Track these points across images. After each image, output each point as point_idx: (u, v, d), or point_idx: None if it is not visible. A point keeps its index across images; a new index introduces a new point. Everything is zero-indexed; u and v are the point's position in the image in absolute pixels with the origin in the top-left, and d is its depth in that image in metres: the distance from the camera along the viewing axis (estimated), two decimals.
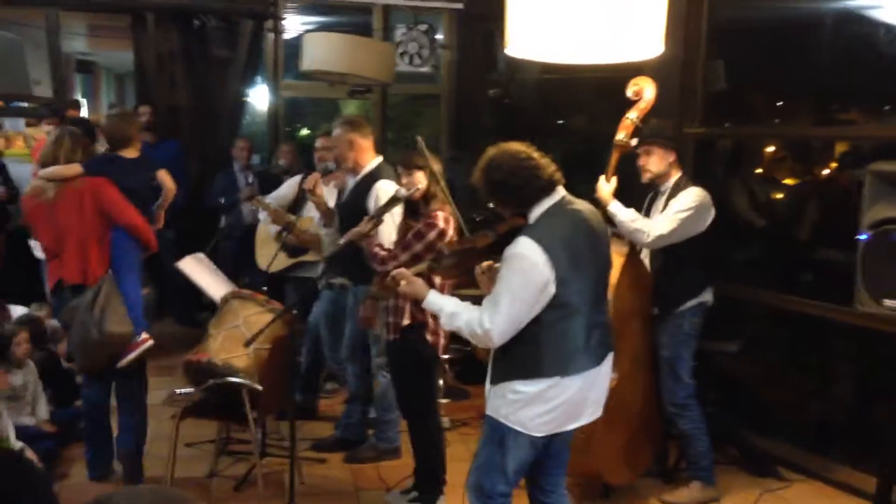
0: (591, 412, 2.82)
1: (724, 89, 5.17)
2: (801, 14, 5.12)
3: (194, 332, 5.04)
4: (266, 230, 5.30)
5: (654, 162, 3.83)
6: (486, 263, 2.91)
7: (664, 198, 3.84)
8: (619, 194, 3.84)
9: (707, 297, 3.89)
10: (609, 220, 3.70)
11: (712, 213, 3.80)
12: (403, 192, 3.53)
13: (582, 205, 2.80)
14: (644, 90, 3.73)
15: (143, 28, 7.20)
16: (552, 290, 2.58)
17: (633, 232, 3.72)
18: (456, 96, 7.25)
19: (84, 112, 11.32)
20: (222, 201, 6.60)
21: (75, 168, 3.85)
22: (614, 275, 3.55)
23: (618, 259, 3.65)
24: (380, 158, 4.27)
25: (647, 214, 3.90)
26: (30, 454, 3.73)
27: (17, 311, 5.05)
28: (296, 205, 5.18)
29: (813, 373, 4.98)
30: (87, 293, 3.70)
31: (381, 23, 7.01)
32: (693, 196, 3.74)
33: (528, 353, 2.66)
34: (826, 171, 5.36)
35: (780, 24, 5.15)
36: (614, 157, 3.79)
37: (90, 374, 3.96)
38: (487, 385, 2.81)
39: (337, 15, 7.42)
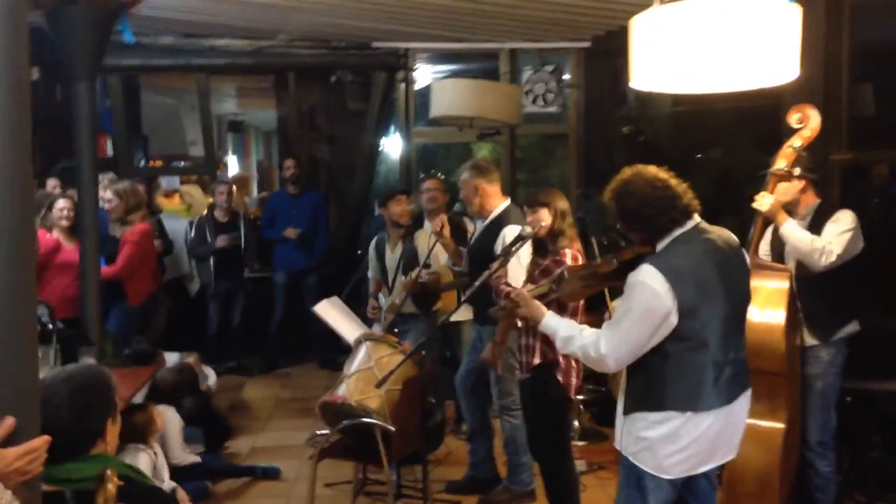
0: (724, 453, 2.68)
1: (873, 114, 4.87)
2: None
3: (335, 375, 5.19)
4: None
5: (783, 191, 3.62)
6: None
7: (804, 225, 3.62)
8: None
9: (857, 325, 3.67)
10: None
11: (862, 238, 3.58)
12: (529, 230, 3.52)
13: (718, 232, 2.67)
14: (809, 118, 3.53)
15: (285, 87, 7.65)
16: (674, 321, 2.48)
17: (811, 252, 3.47)
18: (585, 134, 7.21)
19: (234, 167, 12.09)
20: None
21: None
22: (781, 311, 3.41)
23: (782, 294, 3.46)
24: (507, 202, 4.29)
25: (773, 244, 3.72)
26: (181, 493, 3.91)
27: (171, 357, 5.36)
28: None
29: None
30: None
31: (507, 66, 7.10)
32: (850, 217, 3.57)
33: (652, 384, 2.57)
34: None
35: None
36: (772, 188, 3.58)
37: None
38: (619, 416, 2.73)
39: (465, 62, 7.58)
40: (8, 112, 1.55)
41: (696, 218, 2.65)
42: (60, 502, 1.86)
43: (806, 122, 3.52)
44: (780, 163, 3.54)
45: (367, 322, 4.76)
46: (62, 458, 1.89)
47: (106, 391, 2.07)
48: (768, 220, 3.60)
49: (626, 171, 2.69)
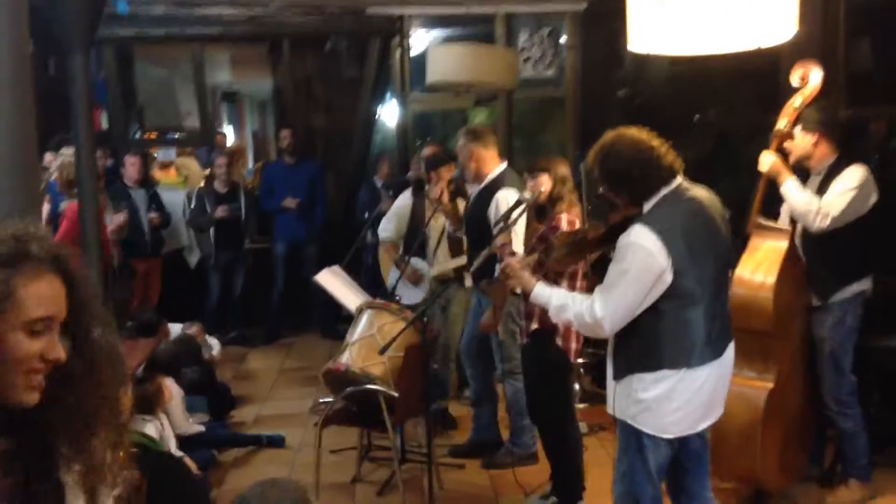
0: (718, 409, 2.74)
1: (871, 69, 4.85)
2: None
3: (336, 344, 5.23)
4: (386, 256, 5.46)
5: (795, 146, 3.61)
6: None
7: (818, 180, 3.61)
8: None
9: (866, 285, 3.65)
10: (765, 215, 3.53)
11: (875, 194, 3.55)
12: (528, 195, 3.53)
13: (700, 191, 2.69)
14: (810, 75, 3.50)
15: (280, 55, 7.59)
16: (668, 279, 2.50)
17: (806, 213, 3.48)
18: (582, 98, 7.18)
19: (231, 139, 12.04)
20: (367, 216, 6.83)
21: None
22: (774, 271, 3.47)
23: (777, 254, 3.52)
24: (503, 166, 4.30)
25: None
26: (188, 462, 3.96)
27: (174, 328, 5.39)
28: (413, 215, 5.24)
29: None
30: None
31: (503, 30, 7.05)
32: (858, 174, 3.51)
33: (647, 345, 2.59)
34: None
35: None
36: (774, 148, 3.57)
37: None
38: (610, 381, 2.75)
39: (461, 27, 7.51)
40: (11, 88, 1.55)
41: (680, 177, 2.65)
42: None
43: (807, 80, 3.50)
44: (782, 122, 3.52)
45: (371, 290, 4.75)
46: None
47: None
48: (772, 178, 3.59)
49: (609, 135, 2.68)
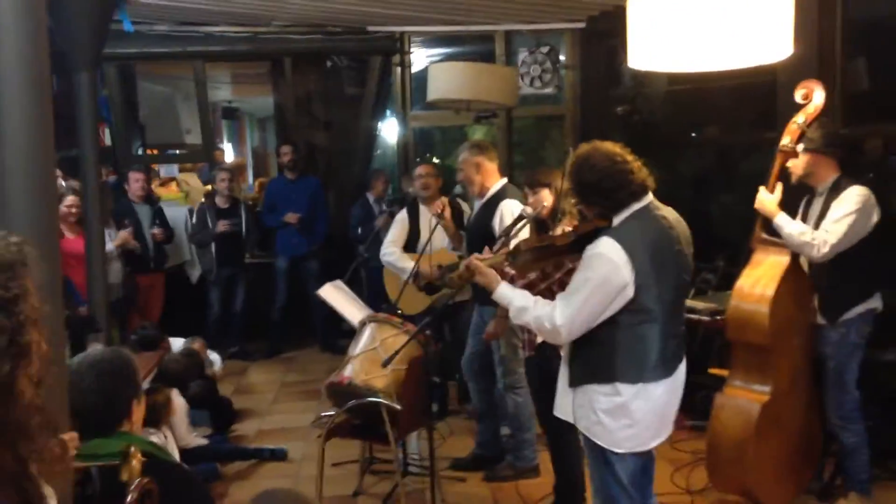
0: (669, 429, 2.76)
1: (867, 89, 4.91)
2: None
3: (337, 358, 5.25)
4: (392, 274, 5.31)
5: (793, 166, 3.65)
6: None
7: (822, 199, 3.64)
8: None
9: (875, 303, 3.65)
10: (769, 230, 3.59)
11: (877, 212, 3.56)
12: (529, 210, 3.57)
13: (668, 212, 2.73)
14: (813, 93, 3.52)
15: (281, 73, 7.66)
16: (630, 293, 2.54)
17: (801, 245, 3.50)
18: (581, 115, 7.24)
19: (230, 155, 12.12)
20: (360, 231, 6.89)
21: None
22: (773, 285, 3.50)
23: (777, 269, 3.55)
24: (504, 180, 4.35)
25: (804, 219, 3.71)
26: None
27: (176, 343, 5.42)
28: (410, 235, 5.21)
29: None
30: None
31: (503, 48, 7.13)
32: (855, 196, 3.51)
33: (603, 356, 2.62)
34: None
35: None
36: (777, 164, 3.59)
37: None
38: (562, 387, 2.78)
39: (461, 45, 7.60)
40: (30, 108, 1.59)
41: (650, 195, 2.69)
42: (87, 480, 1.94)
43: (810, 98, 3.52)
44: (785, 139, 3.53)
45: (372, 305, 4.77)
46: (90, 438, 1.97)
47: (130, 374, 2.14)
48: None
49: (584, 147, 2.73)
